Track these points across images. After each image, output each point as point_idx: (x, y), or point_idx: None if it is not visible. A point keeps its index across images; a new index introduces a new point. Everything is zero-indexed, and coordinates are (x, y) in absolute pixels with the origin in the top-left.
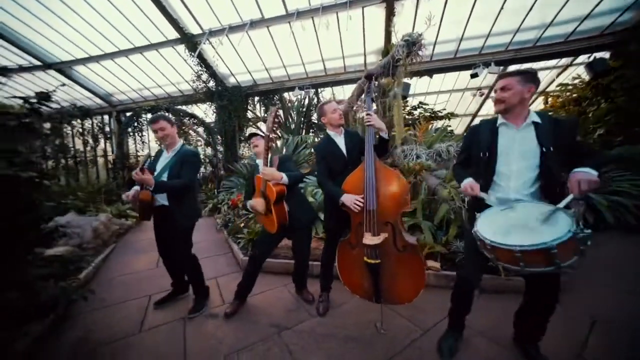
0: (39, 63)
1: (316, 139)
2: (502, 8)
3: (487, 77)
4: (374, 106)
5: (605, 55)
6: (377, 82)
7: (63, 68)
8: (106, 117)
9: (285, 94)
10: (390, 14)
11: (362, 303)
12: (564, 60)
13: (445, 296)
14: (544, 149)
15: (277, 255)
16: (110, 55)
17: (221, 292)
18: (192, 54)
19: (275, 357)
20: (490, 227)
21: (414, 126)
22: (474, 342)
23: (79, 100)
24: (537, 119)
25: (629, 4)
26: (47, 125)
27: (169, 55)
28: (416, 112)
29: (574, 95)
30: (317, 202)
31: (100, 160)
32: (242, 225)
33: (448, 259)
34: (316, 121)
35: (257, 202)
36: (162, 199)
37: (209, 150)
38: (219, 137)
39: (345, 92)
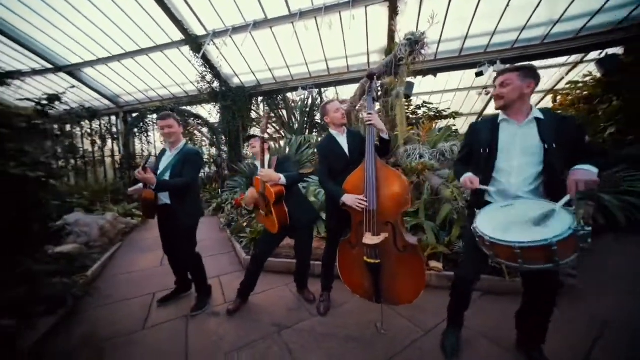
0: (50, 66)
1: (319, 139)
2: (507, 5)
3: (492, 75)
4: (377, 106)
5: (618, 51)
6: (379, 82)
7: (73, 70)
8: (113, 118)
9: (289, 94)
10: (393, 13)
11: (363, 303)
12: (574, 57)
13: (447, 297)
14: (546, 146)
15: (278, 255)
16: (117, 57)
17: (223, 291)
18: (197, 55)
19: (275, 355)
20: (489, 224)
21: (417, 126)
22: (475, 344)
23: (88, 102)
24: (540, 115)
25: None
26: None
27: (174, 56)
28: (420, 112)
29: (585, 93)
30: (320, 202)
31: (108, 160)
32: (245, 224)
33: (450, 260)
34: (319, 121)
35: (250, 191)
36: (164, 198)
37: (213, 151)
38: (223, 137)
39: (349, 91)
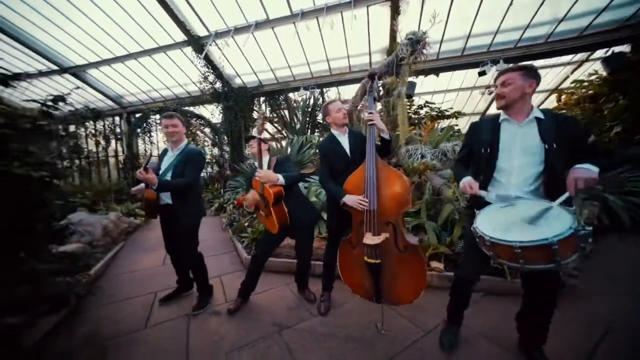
0: (56, 67)
1: (321, 139)
2: (511, 4)
3: (495, 75)
4: (379, 106)
5: (625, 49)
6: (380, 82)
7: (77, 72)
8: (117, 118)
9: (291, 94)
10: (395, 13)
11: (363, 303)
12: (579, 56)
13: (448, 297)
14: (546, 146)
15: (279, 255)
16: (121, 58)
17: (224, 290)
18: (199, 55)
19: (276, 355)
20: (489, 224)
21: (419, 125)
22: (475, 344)
23: (92, 103)
24: (540, 115)
25: None
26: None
27: (177, 57)
28: (422, 112)
29: (590, 92)
30: (321, 202)
31: (112, 160)
32: (246, 224)
33: (452, 260)
34: (321, 121)
35: (251, 193)
36: (166, 198)
37: (215, 151)
38: (225, 137)
39: (351, 91)
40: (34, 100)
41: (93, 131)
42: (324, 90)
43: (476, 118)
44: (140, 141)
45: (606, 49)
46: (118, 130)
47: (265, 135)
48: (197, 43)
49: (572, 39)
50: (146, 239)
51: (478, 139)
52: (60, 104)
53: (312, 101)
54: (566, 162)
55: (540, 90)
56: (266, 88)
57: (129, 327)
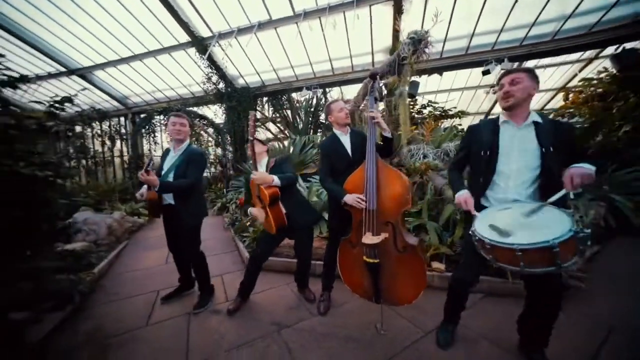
0: (64, 69)
1: (323, 139)
2: (516, 1)
3: (500, 74)
4: (381, 105)
5: (637, 45)
6: (382, 82)
7: (84, 73)
8: (122, 119)
9: (293, 94)
10: (398, 12)
11: (363, 303)
12: (588, 53)
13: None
14: (543, 149)
15: (279, 254)
16: (126, 60)
17: (225, 289)
18: (202, 56)
19: (275, 354)
20: (488, 227)
21: (421, 125)
22: (475, 345)
23: (98, 104)
24: (538, 119)
25: None
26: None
27: (181, 58)
28: (425, 111)
29: (599, 90)
30: (322, 202)
31: (117, 160)
32: (248, 224)
33: (453, 261)
34: (324, 121)
35: (258, 213)
36: (169, 198)
37: (218, 151)
38: (228, 137)
39: (353, 91)
40: (39, 102)
41: (99, 131)
42: (327, 90)
43: (480, 117)
44: (144, 141)
45: (616, 46)
46: (123, 130)
47: (268, 135)
48: (200, 44)
49: (579, 36)
50: (149, 237)
51: (477, 141)
52: (67, 104)
53: (314, 101)
54: (562, 165)
55: (547, 89)
56: (269, 88)
57: (130, 325)
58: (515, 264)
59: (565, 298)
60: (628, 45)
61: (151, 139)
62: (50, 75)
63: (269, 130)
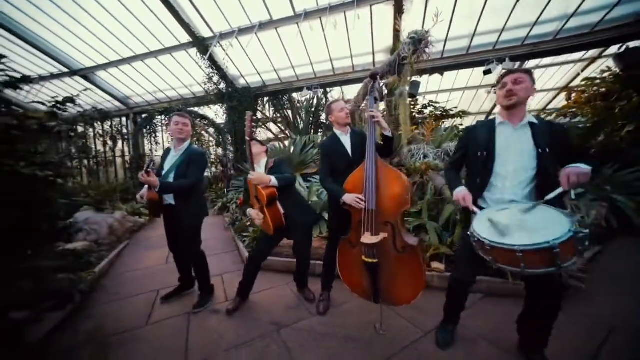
0: (66, 70)
1: (324, 139)
2: (517, 1)
3: (502, 73)
4: (382, 105)
5: None
6: (382, 82)
7: (87, 74)
8: (124, 119)
9: (294, 94)
10: (399, 12)
11: (363, 303)
12: (591, 53)
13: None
14: (540, 150)
15: (279, 254)
16: (128, 60)
17: (225, 289)
18: (204, 56)
19: (274, 354)
20: (488, 228)
21: (422, 124)
22: (475, 345)
23: (100, 104)
24: (534, 120)
25: None
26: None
27: (182, 58)
28: (426, 111)
29: (602, 89)
30: (323, 202)
31: (119, 160)
32: (248, 224)
33: (453, 261)
34: (325, 121)
35: (256, 215)
36: (169, 199)
37: (219, 151)
38: (229, 137)
39: (354, 91)
40: (40, 102)
41: (101, 132)
42: (328, 90)
43: (482, 117)
44: (146, 141)
45: (619, 45)
46: (125, 130)
47: (269, 135)
48: (201, 44)
49: (582, 35)
50: (150, 237)
51: (474, 142)
52: (70, 105)
53: (315, 101)
54: (559, 166)
55: (549, 88)
56: (270, 88)
57: (131, 324)
58: (515, 265)
59: (565, 298)
60: (631, 44)
61: (152, 139)
62: (53, 76)
63: (269, 130)
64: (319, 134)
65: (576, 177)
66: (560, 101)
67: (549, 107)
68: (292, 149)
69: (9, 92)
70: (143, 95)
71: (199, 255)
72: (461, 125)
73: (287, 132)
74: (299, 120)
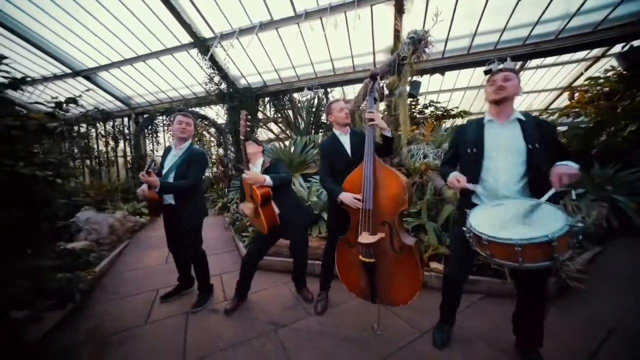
0: (69, 71)
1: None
2: (518, 0)
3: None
4: (382, 105)
5: None
6: (382, 82)
7: (89, 74)
8: (125, 119)
9: (295, 94)
10: (399, 12)
11: (361, 303)
12: (595, 52)
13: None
14: (529, 146)
15: (279, 254)
16: (130, 61)
17: (224, 289)
18: (205, 57)
19: (270, 353)
20: (484, 223)
21: (423, 124)
22: (472, 346)
23: (102, 104)
24: (521, 117)
25: None
26: (76, 128)
27: (183, 59)
28: (427, 111)
29: (606, 89)
30: (322, 202)
31: (120, 160)
32: (248, 223)
33: None
34: (325, 121)
35: (246, 206)
36: (169, 198)
37: (220, 151)
38: (230, 137)
39: (355, 91)
40: (39, 103)
41: (102, 132)
42: (328, 90)
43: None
44: (147, 141)
45: (623, 44)
46: (126, 131)
47: (270, 135)
48: (202, 45)
49: (584, 34)
50: (151, 237)
51: (464, 140)
52: (72, 105)
53: (316, 101)
54: (548, 162)
55: (551, 88)
56: (270, 88)
57: (130, 323)
58: (513, 260)
59: (564, 299)
60: (635, 43)
61: (154, 139)
62: (56, 77)
63: (270, 130)
64: (320, 134)
65: (567, 178)
66: (563, 101)
67: (552, 106)
68: (292, 149)
69: (13, 93)
70: (144, 95)
71: (199, 255)
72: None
73: (287, 132)
74: (299, 120)
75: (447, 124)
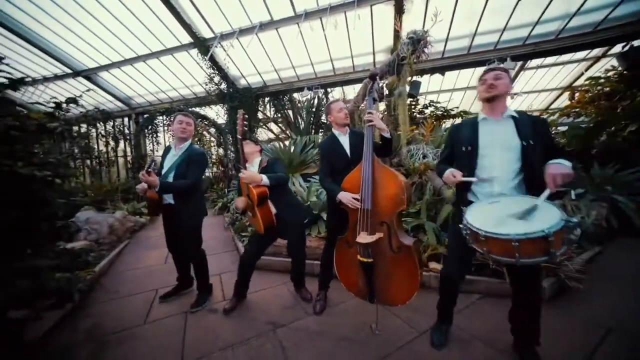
0: (69, 71)
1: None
2: (518, 0)
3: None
4: (382, 105)
5: None
6: (381, 82)
7: (89, 74)
8: (126, 119)
9: (295, 94)
10: (399, 12)
11: (359, 303)
12: (596, 52)
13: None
14: (524, 142)
15: (278, 254)
16: (130, 61)
17: (223, 289)
18: (205, 57)
19: (268, 352)
20: (481, 219)
21: (422, 124)
22: (469, 346)
23: (102, 104)
24: (515, 114)
25: None
26: (76, 128)
27: (183, 59)
28: (427, 111)
29: (606, 89)
30: (322, 202)
31: (121, 160)
32: (247, 223)
33: None
34: (325, 121)
35: (239, 199)
36: (169, 198)
37: (220, 151)
38: (230, 137)
39: (355, 91)
40: (38, 103)
41: (103, 132)
42: (328, 90)
43: None
44: (147, 141)
45: (624, 44)
46: (127, 131)
47: (270, 135)
48: (202, 45)
49: (585, 34)
50: (151, 237)
51: (459, 139)
52: (72, 105)
53: (316, 101)
54: (542, 159)
55: (552, 88)
56: (271, 89)
57: (129, 322)
58: (510, 256)
59: (563, 299)
60: (635, 43)
61: (154, 139)
62: (57, 77)
63: (270, 130)
64: (320, 134)
65: (561, 178)
66: (564, 101)
67: (552, 106)
68: (292, 149)
69: (14, 93)
70: (145, 95)
71: (199, 255)
72: None
73: (287, 132)
74: (299, 120)
75: (447, 124)
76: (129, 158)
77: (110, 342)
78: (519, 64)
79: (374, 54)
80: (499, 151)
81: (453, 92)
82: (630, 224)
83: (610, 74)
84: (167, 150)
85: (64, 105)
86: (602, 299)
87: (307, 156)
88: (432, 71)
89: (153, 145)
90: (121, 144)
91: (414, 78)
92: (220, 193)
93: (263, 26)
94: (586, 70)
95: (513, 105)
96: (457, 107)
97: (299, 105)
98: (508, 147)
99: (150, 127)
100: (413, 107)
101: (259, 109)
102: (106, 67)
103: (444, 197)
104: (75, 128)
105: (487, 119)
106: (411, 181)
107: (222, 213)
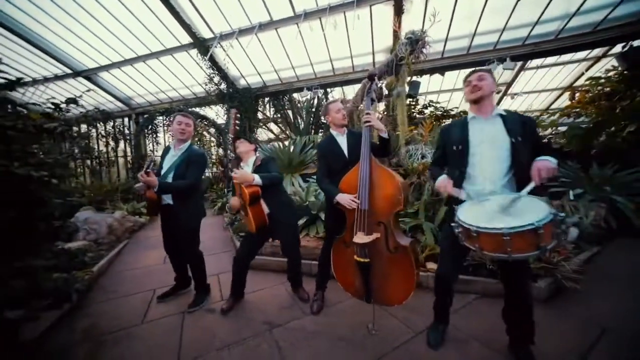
0: (70, 71)
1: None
2: (518, 0)
3: (503, 73)
4: (381, 106)
5: None
6: (379, 82)
7: (89, 75)
8: (126, 119)
9: (295, 95)
10: (398, 12)
11: (356, 303)
12: (595, 52)
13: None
14: (513, 140)
15: (275, 254)
16: (130, 61)
17: (221, 289)
18: (204, 57)
19: (265, 352)
20: (472, 216)
21: (421, 124)
22: (466, 346)
23: (103, 104)
24: (503, 112)
25: None
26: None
27: (183, 59)
28: (427, 111)
29: (607, 89)
30: (320, 202)
31: (121, 160)
32: (243, 222)
33: None
34: (325, 121)
35: (234, 199)
36: (167, 199)
37: (220, 151)
38: (229, 137)
39: (354, 91)
40: (37, 103)
41: (103, 132)
42: (328, 90)
43: None
44: (147, 141)
45: (624, 43)
46: (127, 131)
47: (270, 135)
48: (202, 45)
49: (584, 34)
50: (150, 237)
51: (450, 139)
52: (72, 106)
53: (315, 101)
54: (530, 157)
55: (552, 88)
56: (270, 89)
57: (126, 322)
58: (502, 252)
59: (560, 299)
60: (635, 43)
61: (153, 139)
62: (57, 77)
63: (270, 130)
64: (319, 134)
65: (546, 172)
66: (564, 101)
67: (552, 106)
68: (292, 149)
69: (14, 93)
70: (145, 95)
71: (196, 256)
72: None
73: (287, 132)
74: (299, 120)
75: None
76: (129, 158)
77: (107, 342)
78: (519, 64)
79: (373, 54)
80: (488, 148)
81: (453, 92)
82: (628, 225)
83: (611, 74)
84: (167, 150)
85: (64, 105)
86: (600, 299)
87: (306, 156)
88: (431, 71)
89: (153, 145)
90: (121, 144)
91: (413, 78)
92: (220, 193)
93: (262, 26)
94: (586, 70)
95: (513, 105)
96: (457, 107)
97: (298, 105)
98: (498, 144)
99: (150, 127)
100: (413, 107)
101: (259, 109)
102: (106, 68)
103: (442, 198)
104: (76, 128)
105: (477, 117)
106: (409, 181)
107: (221, 213)
